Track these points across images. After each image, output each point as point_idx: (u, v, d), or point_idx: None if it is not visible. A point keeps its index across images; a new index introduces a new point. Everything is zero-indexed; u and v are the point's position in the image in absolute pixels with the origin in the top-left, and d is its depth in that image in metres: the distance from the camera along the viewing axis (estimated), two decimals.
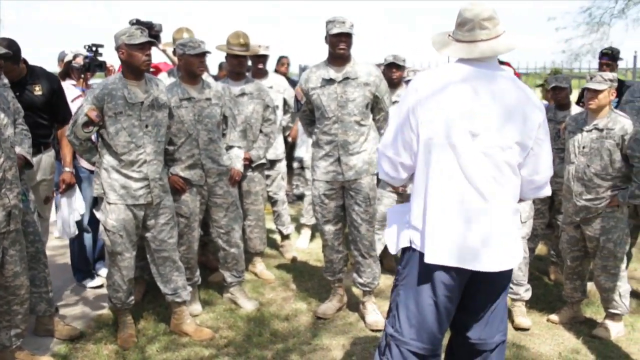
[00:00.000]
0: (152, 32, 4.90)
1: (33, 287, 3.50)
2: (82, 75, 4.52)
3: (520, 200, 2.53)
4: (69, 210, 3.93)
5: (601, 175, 3.83)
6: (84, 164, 4.38)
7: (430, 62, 10.09)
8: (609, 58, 5.57)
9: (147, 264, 4.16)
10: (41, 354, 3.50)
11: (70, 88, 4.43)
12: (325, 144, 3.99)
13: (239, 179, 4.33)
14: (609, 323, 3.96)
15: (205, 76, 4.20)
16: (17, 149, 3.23)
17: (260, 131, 4.69)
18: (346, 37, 3.88)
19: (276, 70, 7.42)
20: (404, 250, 2.50)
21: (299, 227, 6.10)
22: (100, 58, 4.51)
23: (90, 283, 4.65)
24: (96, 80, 5.25)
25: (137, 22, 4.86)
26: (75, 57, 4.56)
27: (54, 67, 5.41)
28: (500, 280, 2.46)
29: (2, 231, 3.01)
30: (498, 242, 2.36)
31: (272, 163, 5.23)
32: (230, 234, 4.21)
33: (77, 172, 4.28)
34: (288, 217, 5.58)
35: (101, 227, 3.68)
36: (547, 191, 2.56)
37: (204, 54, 4.00)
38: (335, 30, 3.84)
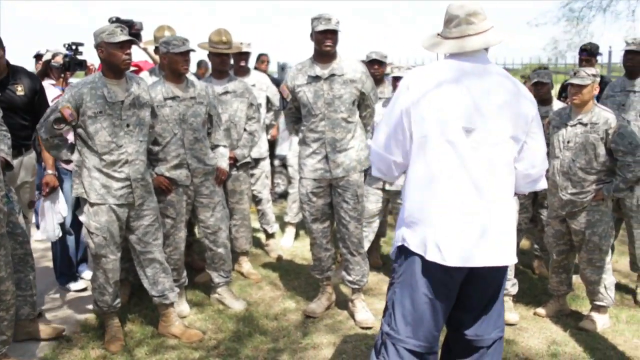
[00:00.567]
0: (133, 30, 4.81)
1: (19, 291, 3.43)
2: (62, 75, 4.42)
3: (515, 194, 2.54)
4: (52, 213, 3.85)
5: (586, 170, 3.87)
6: (66, 165, 4.30)
7: (404, 58, 10.09)
8: (588, 54, 5.63)
9: (132, 266, 4.11)
10: None
11: (49, 88, 4.34)
12: (313, 142, 3.96)
13: (225, 178, 4.29)
14: (595, 315, 4.02)
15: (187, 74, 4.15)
16: None
17: (245, 130, 4.65)
18: (332, 34, 3.86)
19: (256, 68, 7.37)
20: (400, 248, 2.49)
21: (282, 226, 6.07)
22: (80, 57, 4.42)
23: (74, 286, 4.57)
24: (76, 80, 5.17)
25: (117, 20, 4.77)
26: (54, 56, 4.46)
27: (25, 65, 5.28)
28: (497, 277, 2.46)
29: None
30: (495, 238, 2.36)
31: (256, 161, 5.19)
32: (217, 234, 4.17)
33: (59, 173, 4.19)
34: (273, 216, 5.55)
35: (84, 230, 3.61)
36: (542, 184, 2.58)
37: (188, 52, 3.94)
38: (320, 28, 3.81)
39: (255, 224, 5.71)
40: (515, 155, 2.41)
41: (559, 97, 5.60)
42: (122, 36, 3.41)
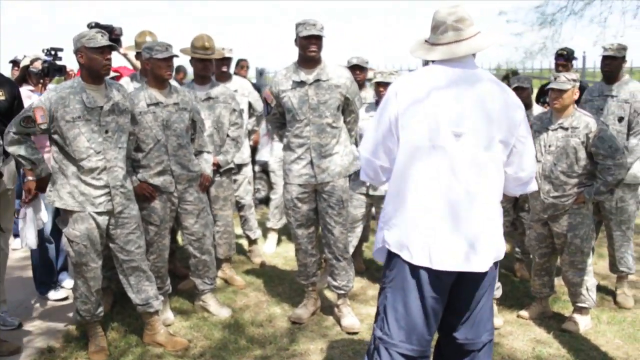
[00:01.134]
0: (113, 35, 4.76)
1: None
2: (41, 81, 4.35)
3: (504, 197, 2.57)
4: (33, 220, 3.77)
5: (567, 173, 3.92)
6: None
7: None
8: (565, 59, 5.73)
9: (114, 274, 4.06)
10: None
11: (28, 94, 4.27)
12: (297, 147, 3.96)
13: (209, 184, 4.25)
14: (577, 317, 4.07)
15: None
16: None
17: (228, 135, 4.62)
18: (316, 40, 3.86)
19: (235, 74, 7.33)
20: (390, 253, 2.49)
21: (264, 232, 6.04)
22: (59, 62, 4.34)
23: (55, 295, 4.49)
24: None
25: (97, 26, 4.71)
26: (32, 61, 4.39)
27: None
28: (487, 280, 2.48)
29: None
30: (484, 241, 2.38)
31: (239, 167, 5.16)
32: (201, 241, 4.13)
33: None
34: (255, 222, 5.52)
35: (64, 238, 3.54)
36: (533, 186, 2.62)
37: (171, 58, 3.91)
38: (305, 33, 3.81)
39: (238, 230, 5.67)
40: (505, 159, 2.44)
41: (537, 102, 5.69)
42: (103, 41, 3.36)
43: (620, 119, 4.45)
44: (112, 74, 4.81)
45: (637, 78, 5.00)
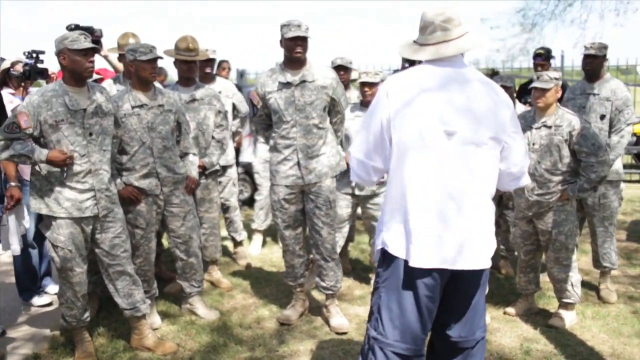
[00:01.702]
0: (93, 37, 4.67)
1: None
2: (23, 84, 4.28)
3: (498, 192, 2.60)
4: (15, 225, 3.71)
5: (551, 171, 3.97)
6: (26, 176, 4.16)
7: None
8: (543, 58, 5.80)
9: (99, 279, 4.01)
10: None
11: (8, 97, 4.19)
12: (284, 148, 3.95)
13: (195, 187, 4.22)
14: (563, 312, 4.11)
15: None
16: None
17: (213, 137, 4.60)
18: (302, 41, 3.86)
19: (216, 75, 7.28)
20: (383, 252, 2.50)
21: (249, 233, 6.01)
22: (41, 65, 4.28)
23: (38, 301, 4.42)
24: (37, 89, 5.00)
25: (77, 27, 4.64)
26: (13, 64, 4.31)
27: None
28: (479, 277, 2.49)
29: None
30: (478, 239, 2.40)
31: (223, 169, 5.13)
32: (188, 244, 4.10)
33: (21, 184, 4.05)
34: (240, 224, 5.50)
35: (48, 243, 3.48)
36: (525, 180, 2.65)
37: (155, 60, 3.88)
38: (290, 34, 3.80)
39: (223, 232, 5.64)
40: (498, 155, 2.46)
41: (518, 100, 5.74)
42: (86, 43, 3.32)
43: (602, 117, 4.52)
44: (94, 76, 4.74)
45: (614, 76, 5.06)
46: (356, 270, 5.27)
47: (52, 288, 4.66)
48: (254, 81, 12.12)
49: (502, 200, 4.96)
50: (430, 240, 2.34)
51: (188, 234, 4.08)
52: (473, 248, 2.38)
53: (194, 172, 4.17)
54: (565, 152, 3.93)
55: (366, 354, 2.52)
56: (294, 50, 3.85)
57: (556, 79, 3.96)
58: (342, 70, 5.18)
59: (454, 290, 2.47)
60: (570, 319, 4.09)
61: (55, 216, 3.36)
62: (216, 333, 3.93)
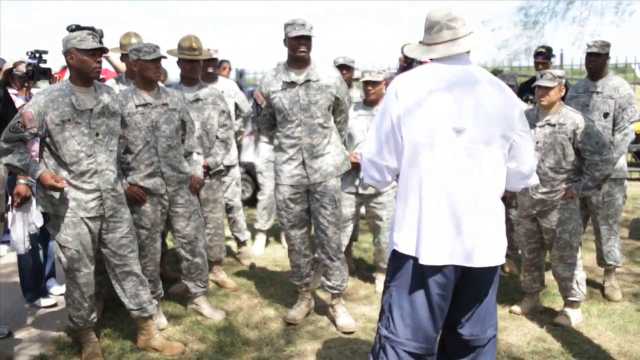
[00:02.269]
0: None
1: None
2: (26, 84, 4.26)
3: (506, 192, 2.59)
4: (24, 224, 3.69)
5: (555, 169, 3.97)
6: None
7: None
8: (544, 57, 5.81)
9: (104, 279, 4.01)
10: None
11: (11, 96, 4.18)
12: (289, 148, 3.94)
13: (200, 187, 4.21)
14: (568, 311, 4.12)
15: None
16: None
17: (217, 137, 4.59)
18: (306, 40, 3.85)
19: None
20: (394, 251, 2.50)
21: (252, 233, 6.00)
22: (44, 65, 4.26)
23: (43, 302, 4.40)
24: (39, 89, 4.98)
25: (77, 28, 4.62)
26: (16, 64, 4.30)
27: None
28: (491, 275, 2.50)
29: None
30: (488, 237, 2.40)
31: (227, 169, 5.12)
32: (193, 244, 4.09)
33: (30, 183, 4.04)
34: (244, 224, 5.50)
35: (55, 244, 3.47)
36: (534, 180, 2.65)
37: (159, 59, 3.87)
38: (294, 33, 3.80)
39: (226, 232, 5.63)
40: (506, 153, 2.46)
41: (520, 98, 5.75)
42: (94, 43, 3.31)
43: (606, 115, 4.52)
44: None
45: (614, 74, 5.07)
46: (360, 269, 5.27)
47: (57, 289, 4.64)
48: (253, 81, 12.16)
49: (505, 198, 4.95)
50: (442, 238, 2.34)
51: (193, 234, 4.07)
52: (484, 246, 2.39)
53: (199, 172, 4.16)
54: (569, 150, 3.93)
55: (377, 353, 2.52)
56: (298, 49, 3.84)
57: (560, 77, 3.97)
58: (344, 69, 5.18)
59: (465, 288, 2.47)
60: (576, 317, 4.10)
61: (61, 216, 3.35)
62: (223, 333, 3.92)
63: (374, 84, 4.58)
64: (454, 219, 2.36)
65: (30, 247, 3.85)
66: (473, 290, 2.49)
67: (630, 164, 10.50)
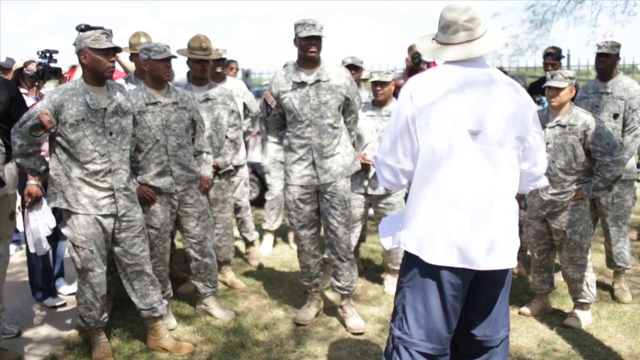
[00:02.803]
0: None
1: None
2: (36, 83, 4.27)
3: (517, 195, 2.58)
4: (39, 225, 3.69)
5: (565, 170, 3.96)
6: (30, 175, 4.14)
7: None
8: (553, 57, 5.78)
9: (113, 279, 4.00)
10: None
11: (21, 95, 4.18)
12: (299, 148, 3.94)
13: (210, 187, 4.20)
14: (578, 312, 4.10)
15: None
16: None
17: (226, 137, 4.59)
18: (316, 40, 3.85)
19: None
20: (407, 252, 2.48)
21: (260, 234, 6.00)
22: (54, 64, 4.26)
23: (52, 302, 4.40)
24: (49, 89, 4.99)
25: (87, 28, 4.63)
26: (26, 64, 4.30)
27: None
28: (504, 276, 2.49)
29: None
30: (503, 238, 2.39)
31: (235, 169, 5.12)
32: (202, 244, 4.09)
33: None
34: (252, 224, 5.49)
35: (69, 243, 3.48)
36: (543, 182, 2.63)
37: (169, 59, 3.87)
38: (305, 34, 3.79)
39: (235, 232, 5.63)
40: (520, 155, 2.46)
41: None
42: (108, 43, 3.32)
43: (615, 116, 4.51)
44: None
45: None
46: (368, 270, 5.27)
47: (65, 289, 4.65)
48: (259, 81, 12.15)
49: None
50: (457, 240, 2.33)
51: (202, 234, 4.07)
52: (499, 247, 2.38)
53: (208, 172, 4.15)
54: (580, 151, 3.92)
55: (390, 354, 2.51)
56: (309, 49, 3.84)
57: (570, 78, 3.95)
58: (352, 69, 5.18)
59: (479, 290, 2.46)
60: (586, 319, 4.08)
61: (74, 213, 3.35)
62: (232, 334, 3.91)
63: (383, 84, 4.57)
64: (468, 220, 2.34)
65: (49, 247, 3.84)
66: (487, 291, 2.48)
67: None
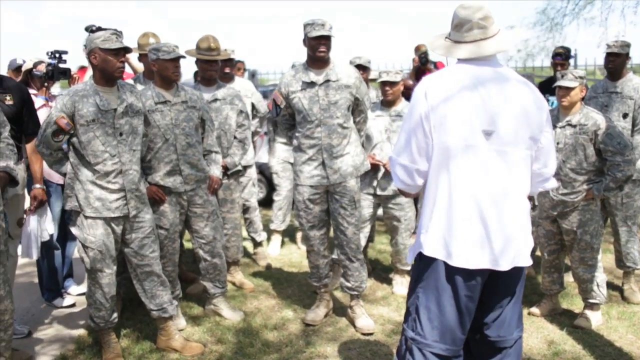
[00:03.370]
0: None
1: None
2: (45, 84, 4.27)
3: None
4: (37, 230, 3.68)
5: (576, 170, 3.94)
6: (52, 178, 4.15)
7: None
8: (562, 58, 5.76)
9: (122, 280, 4.00)
10: None
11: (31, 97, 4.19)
12: (309, 148, 3.93)
13: (219, 187, 4.19)
14: (588, 313, 4.09)
15: None
16: (1, 165, 3.02)
17: (235, 137, 4.58)
18: (326, 40, 3.84)
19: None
20: (420, 254, 2.48)
21: (267, 234, 5.99)
22: (64, 65, 4.27)
23: (62, 302, 4.41)
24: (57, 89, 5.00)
25: (98, 29, 4.63)
26: (36, 64, 4.31)
27: None
28: (518, 276, 2.48)
29: None
30: (517, 238, 2.38)
31: (244, 169, 5.11)
32: (212, 244, 4.08)
33: (46, 186, 4.05)
34: (260, 224, 5.49)
35: (78, 244, 3.48)
36: (552, 183, 2.61)
37: (178, 59, 3.87)
38: (314, 33, 3.79)
39: (243, 233, 5.63)
40: (533, 155, 2.44)
41: None
42: (117, 43, 3.32)
43: (625, 116, 4.49)
44: None
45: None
46: (376, 270, 5.26)
47: (74, 289, 4.66)
48: (265, 81, 12.16)
49: None
50: (473, 240, 2.32)
51: (212, 235, 4.07)
52: (513, 247, 2.37)
53: (217, 172, 4.14)
54: (591, 151, 3.90)
55: (403, 355, 2.50)
56: (318, 49, 3.83)
57: (581, 77, 3.94)
58: (360, 69, 5.15)
59: (493, 290, 2.45)
60: (596, 320, 4.06)
61: (85, 215, 3.36)
62: (242, 334, 3.91)
63: (392, 84, 4.56)
64: (483, 221, 2.34)
65: (38, 256, 3.80)
66: (501, 291, 2.47)
67: None
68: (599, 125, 3.88)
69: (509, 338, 2.52)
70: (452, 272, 2.36)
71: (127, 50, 3.39)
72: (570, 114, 3.98)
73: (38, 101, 4.18)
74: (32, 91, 4.33)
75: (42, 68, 4.27)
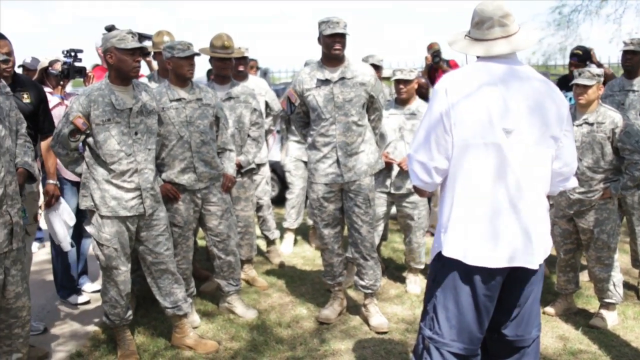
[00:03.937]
0: None
1: None
2: (61, 82, 4.29)
3: None
4: (60, 223, 3.72)
5: (593, 169, 3.91)
6: (66, 175, 4.18)
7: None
8: (578, 59, 5.71)
9: (136, 277, 4.01)
10: None
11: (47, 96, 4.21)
12: (323, 146, 3.92)
13: (233, 185, 4.20)
14: (604, 312, 4.05)
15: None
16: (19, 161, 3.04)
17: (249, 135, 4.58)
18: (341, 38, 3.83)
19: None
20: (439, 253, 2.46)
21: (280, 232, 5.99)
22: (79, 64, 4.29)
23: (76, 299, 4.43)
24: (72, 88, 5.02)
25: (114, 29, 4.65)
26: (51, 63, 4.33)
27: None
28: (537, 275, 2.46)
29: (4, 250, 2.82)
30: (536, 237, 2.37)
31: (257, 167, 5.11)
32: (226, 242, 4.09)
33: (60, 184, 4.07)
34: (273, 222, 5.49)
35: (93, 242, 3.50)
36: (572, 182, 2.59)
37: (193, 57, 3.88)
38: (329, 31, 3.78)
39: (256, 231, 5.63)
40: (554, 154, 2.42)
41: None
42: (134, 43, 3.32)
43: None
44: None
45: None
46: (390, 269, 5.24)
47: (89, 286, 4.68)
48: (277, 79, 12.16)
49: None
50: (491, 239, 2.31)
51: (226, 232, 4.07)
52: (533, 246, 2.36)
53: (231, 170, 4.14)
54: (608, 149, 3.87)
55: (421, 354, 2.49)
56: (333, 47, 3.82)
57: (598, 75, 3.90)
58: (373, 68, 5.14)
59: (511, 289, 2.44)
60: (612, 320, 4.03)
61: (101, 214, 3.37)
62: (256, 332, 3.92)
63: (406, 82, 4.54)
64: (502, 220, 2.32)
65: (74, 245, 3.87)
66: (519, 290, 2.45)
67: None
68: (617, 124, 3.85)
69: (527, 337, 2.50)
70: (470, 271, 2.34)
71: (142, 50, 3.40)
72: (587, 112, 3.94)
73: (53, 99, 4.20)
74: (47, 89, 4.36)
75: (57, 67, 4.29)
